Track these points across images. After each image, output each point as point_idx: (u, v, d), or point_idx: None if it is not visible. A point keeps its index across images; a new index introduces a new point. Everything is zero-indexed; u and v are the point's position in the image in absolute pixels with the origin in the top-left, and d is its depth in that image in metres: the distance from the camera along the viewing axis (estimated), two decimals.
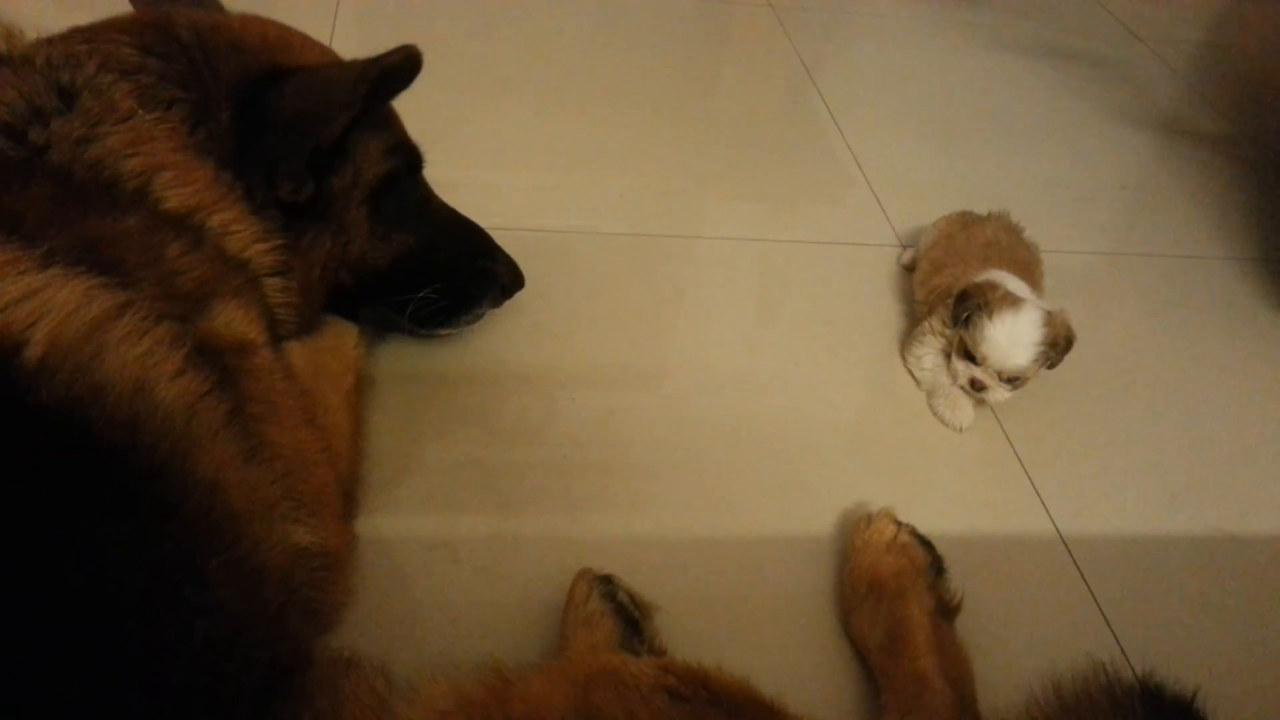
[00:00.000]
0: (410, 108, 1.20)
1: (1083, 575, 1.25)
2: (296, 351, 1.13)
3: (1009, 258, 1.52)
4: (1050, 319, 1.36)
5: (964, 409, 1.42)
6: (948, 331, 1.44)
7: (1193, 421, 1.53)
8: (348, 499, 1.10)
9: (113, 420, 0.73)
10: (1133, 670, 1.13)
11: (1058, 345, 1.36)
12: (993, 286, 1.38)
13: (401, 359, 1.37)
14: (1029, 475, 1.38)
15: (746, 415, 1.39)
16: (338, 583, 0.98)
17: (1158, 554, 1.31)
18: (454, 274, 1.32)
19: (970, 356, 1.39)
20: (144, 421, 0.75)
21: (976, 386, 1.40)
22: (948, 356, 1.45)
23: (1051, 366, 1.40)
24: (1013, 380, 1.38)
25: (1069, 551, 1.28)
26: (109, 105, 0.95)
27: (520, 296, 1.41)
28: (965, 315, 1.37)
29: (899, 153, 2.08)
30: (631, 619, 1.04)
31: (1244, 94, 2.71)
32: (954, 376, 1.42)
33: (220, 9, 1.23)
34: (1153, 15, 3.03)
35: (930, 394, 1.46)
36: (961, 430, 1.42)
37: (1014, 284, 1.41)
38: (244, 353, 0.95)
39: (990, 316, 1.35)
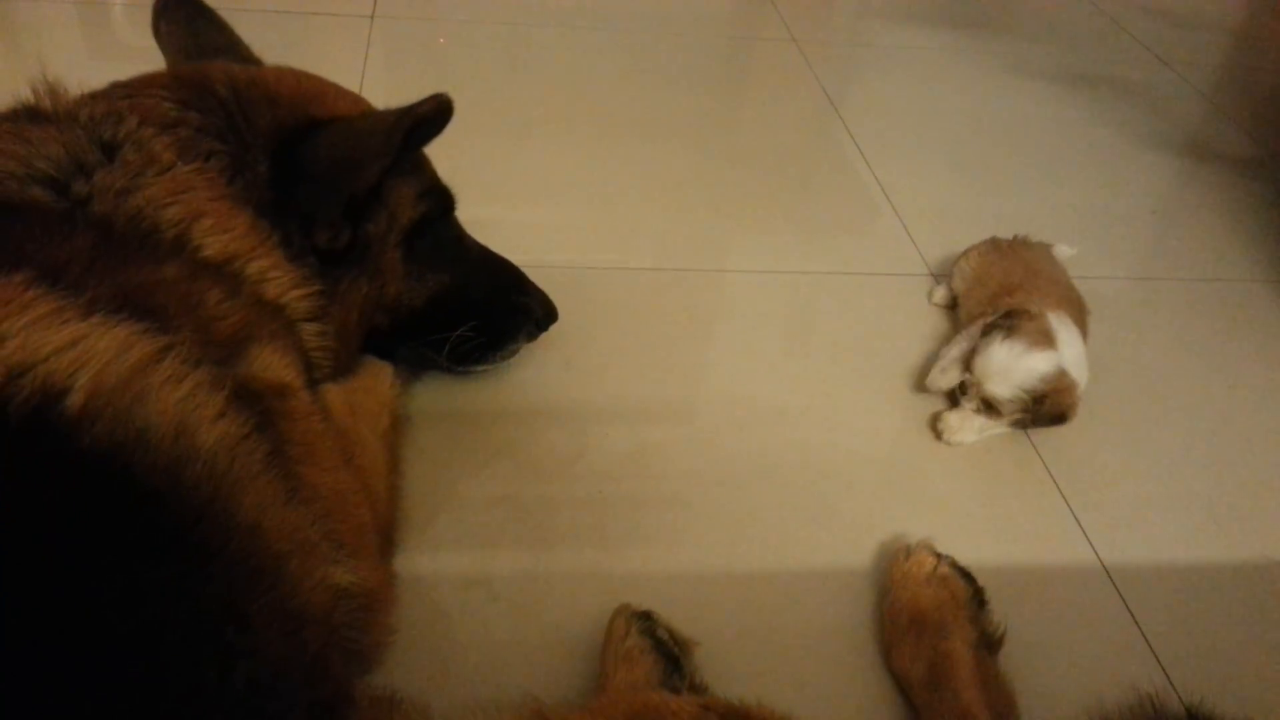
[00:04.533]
0: (440, 148, 1.22)
1: (1126, 604, 1.23)
2: (333, 393, 1.14)
3: (1056, 280, 1.54)
4: (1054, 379, 1.34)
5: (967, 431, 1.42)
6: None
7: (1231, 445, 1.51)
8: (385, 538, 1.11)
9: (155, 464, 0.74)
10: (1180, 700, 1.11)
11: (1041, 406, 1.35)
12: (1032, 317, 1.38)
13: (435, 397, 1.38)
14: (1068, 503, 1.36)
15: (780, 448, 1.39)
16: (378, 622, 0.98)
17: (1202, 581, 1.29)
18: (489, 310, 1.33)
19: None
20: (185, 465, 0.76)
21: (962, 390, 1.42)
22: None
23: (1023, 426, 1.40)
24: (989, 405, 1.39)
25: (1111, 580, 1.26)
26: (150, 157, 0.97)
27: (551, 333, 1.42)
28: (991, 328, 1.39)
29: (926, 182, 2.09)
30: (671, 655, 1.04)
31: (1270, 114, 2.69)
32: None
33: (255, 63, 1.26)
34: (1178, 39, 3.02)
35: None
36: (950, 443, 1.42)
37: (1064, 331, 1.39)
38: (282, 395, 0.96)
39: (1003, 338, 1.36)
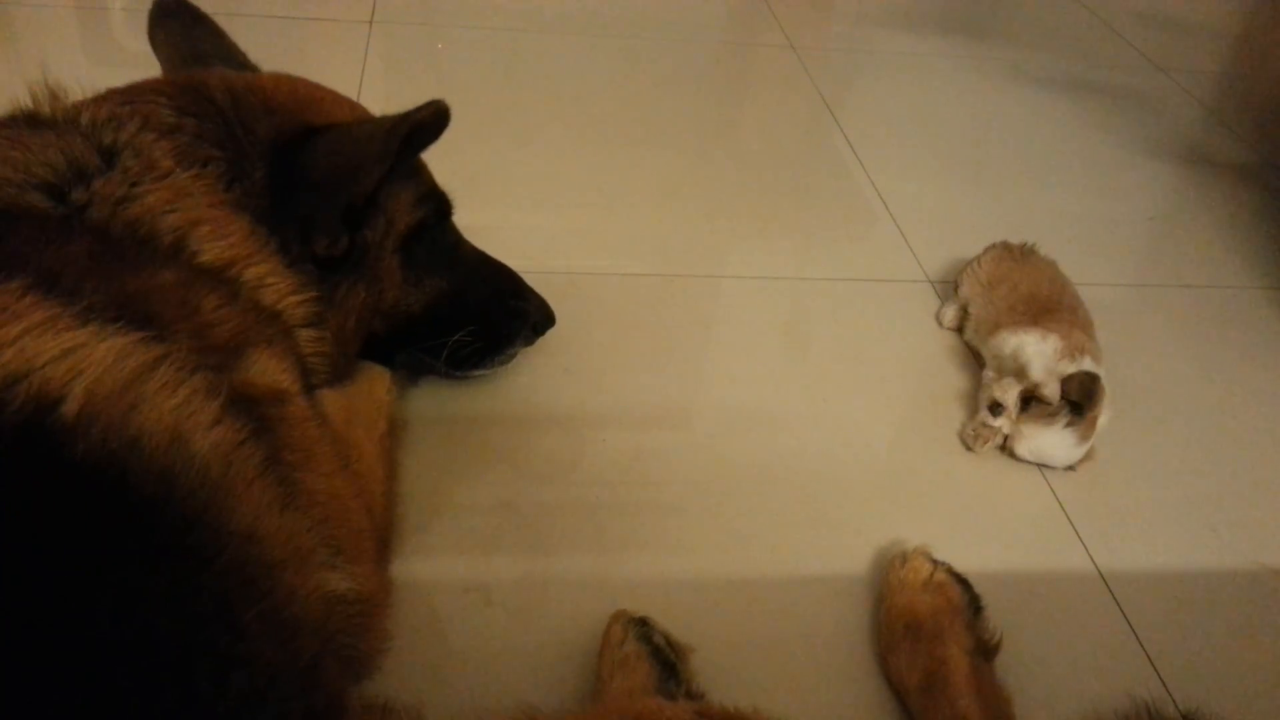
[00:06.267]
0: (437, 154, 1.22)
1: (1123, 611, 1.23)
2: (330, 398, 1.14)
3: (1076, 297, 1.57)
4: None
5: (987, 444, 1.42)
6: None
7: (1228, 453, 1.51)
8: (382, 544, 1.10)
9: (149, 472, 0.74)
10: (1176, 706, 1.11)
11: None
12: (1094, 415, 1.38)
13: (431, 402, 1.38)
14: (1065, 511, 1.36)
15: (777, 454, 1.39)
16: (374, 629, 0.98)
17: (1199, 588, 1.29)
18: (487, 315, 1.33)
19: (1025, 402, 1.40)
20: (180, 472, 0.75)
21: (994, 410, 1.41)
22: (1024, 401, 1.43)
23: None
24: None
25: (1108, 587, 1.26)
26: (148, 164, 0.97)
27: (548, 338, 1.42)
28: (1062, 396, 1.38)
29: (923, 188, 2.09)
30: (668, 661, 1.04)
31: (1268, 122, 2.69)
32: (998, 389, 1.42)
33: (251, 69, 1.26)
34: (1175, 46, 3.03)
35: (983, 412, 1.44)
36: (970, 450, 1.43)
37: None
38: (278, 401, 0.96)
39: (1063, 424, 1.37)
